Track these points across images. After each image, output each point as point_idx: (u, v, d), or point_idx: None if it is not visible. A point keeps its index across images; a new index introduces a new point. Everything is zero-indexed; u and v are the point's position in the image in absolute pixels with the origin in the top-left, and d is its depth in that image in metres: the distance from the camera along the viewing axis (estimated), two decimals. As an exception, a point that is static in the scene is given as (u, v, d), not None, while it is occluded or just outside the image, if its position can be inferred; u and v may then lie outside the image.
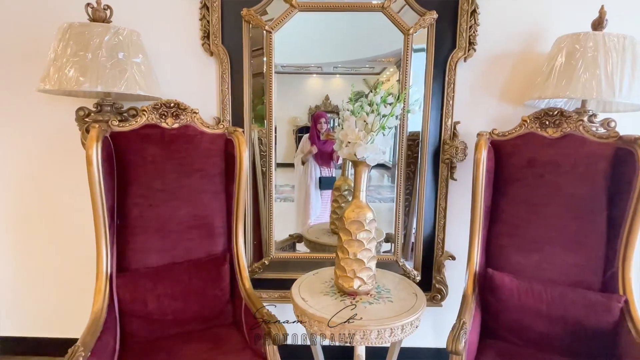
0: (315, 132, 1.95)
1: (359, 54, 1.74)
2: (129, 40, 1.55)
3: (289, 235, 2.06)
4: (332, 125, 1.91)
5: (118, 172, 1.49)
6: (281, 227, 1.93)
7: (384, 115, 1.33)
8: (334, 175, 2.04)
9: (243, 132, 1.67)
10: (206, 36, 1.75)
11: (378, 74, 1.77)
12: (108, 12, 1.59)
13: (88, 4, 1.55)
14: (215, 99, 1.82)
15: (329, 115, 1.90)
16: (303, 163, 1.99)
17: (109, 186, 1.44)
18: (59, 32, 1.50)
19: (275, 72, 1.76)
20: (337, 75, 1.76)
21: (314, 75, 1.78)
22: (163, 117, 1.59)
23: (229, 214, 1.65)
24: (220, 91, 1.79)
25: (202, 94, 1.82)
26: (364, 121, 1.34)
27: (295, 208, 2.05)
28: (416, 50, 1.74)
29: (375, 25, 1.74)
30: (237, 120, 1.81)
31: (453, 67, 1.75)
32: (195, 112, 1.63)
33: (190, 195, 1.59)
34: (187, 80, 1.82)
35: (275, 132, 1.82)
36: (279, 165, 1.89)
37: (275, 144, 1.83)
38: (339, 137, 1.40)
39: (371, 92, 1.30)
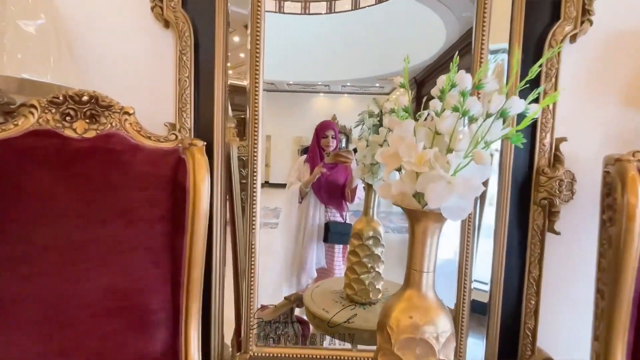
0: (318, 150, 1.29)
1: (369, 72, 1.42)
2: (17, -11, 0.91)
3: (284, 298, 1.38)
4: (341, 145, 1.35)
5: (-35, 215, 0.81)
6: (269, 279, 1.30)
7: (472, 119, 0.65)
8: (347, 221, 1.37)
9: (203, 146, 0.97)
10: (159, -4, 1.10)
11: (387, 94, 1.40)
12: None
13: None
14: (172, 95, 1.15)
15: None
16: (302, 199, 1.30)
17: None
18: None
19: (281, 91, 1.31)
20: (345, 95, 1.43)
21: (321, 94, 1.44)
22: (68, 118, 0.92)
23: (175, 288, 0.95)
24: (176, 81, 1.12)
25: (151, 87, 1.15)
26: (433, 130, 0.66)
27: (282, 263, 1.37)
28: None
29: (398, 26, 1.31)
30: (204, 129, 1.13)
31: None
32: (127, 113, 0.96)
33: (108, 255, 0.90)
34: (127, 65, 1.15)
35: (266, 147, 1.15)
36: (279, 185, 1.36)
37: (264, 163, 1.15)
38: (377, 159, 0.72)
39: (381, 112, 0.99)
